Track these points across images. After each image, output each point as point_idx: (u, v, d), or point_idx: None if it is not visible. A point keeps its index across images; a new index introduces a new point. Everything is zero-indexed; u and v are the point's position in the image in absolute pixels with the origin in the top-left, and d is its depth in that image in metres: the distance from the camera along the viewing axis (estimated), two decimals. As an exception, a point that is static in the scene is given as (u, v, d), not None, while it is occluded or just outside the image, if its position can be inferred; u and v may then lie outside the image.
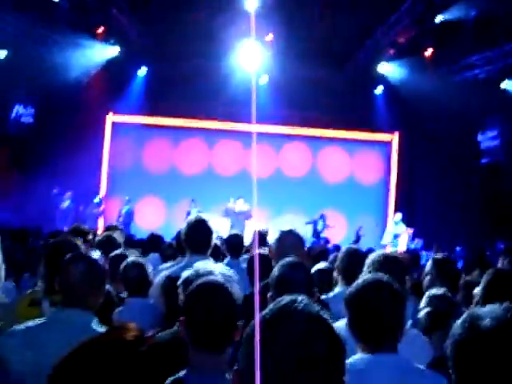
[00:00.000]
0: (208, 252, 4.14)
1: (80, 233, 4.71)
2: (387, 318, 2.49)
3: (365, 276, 2.72)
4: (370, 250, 4.90)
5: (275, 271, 3.08)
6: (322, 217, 16.23)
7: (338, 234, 16.75)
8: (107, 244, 5.14)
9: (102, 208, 17.00)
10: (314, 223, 16.39)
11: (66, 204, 16.28)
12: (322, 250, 7.74)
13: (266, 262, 3.75)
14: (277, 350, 1.24)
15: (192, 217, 4.32)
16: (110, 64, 16.24)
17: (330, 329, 1.30)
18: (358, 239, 16.19)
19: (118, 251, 4.87)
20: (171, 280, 3.20)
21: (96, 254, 2.97)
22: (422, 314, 3.63)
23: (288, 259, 3.14)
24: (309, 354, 1.24)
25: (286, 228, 3.95)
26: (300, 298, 1.32)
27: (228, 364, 2.33)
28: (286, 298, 1.33)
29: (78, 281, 2.78)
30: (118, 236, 5.66)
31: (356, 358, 2.48)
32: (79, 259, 2.86)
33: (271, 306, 1.32)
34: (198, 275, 2.73)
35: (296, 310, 1.29)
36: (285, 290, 1.87)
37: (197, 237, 4.13)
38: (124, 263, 4.39)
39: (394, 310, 2.51)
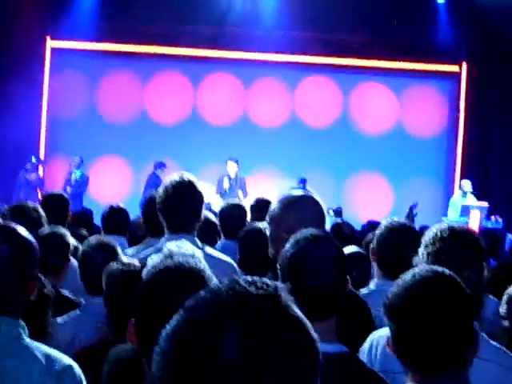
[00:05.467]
0: (195, 231, 3.29)
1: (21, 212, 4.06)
2: (449, 335, 1.96)
3: (416, 269, 2.12)
4: (425, 228, 3.68)
5: (288, 248, 2.44)
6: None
7: (379, 207, 13.74)
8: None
9: (41, 171, 13.36)
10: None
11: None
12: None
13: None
14: None
15: (170, 178, 3.34)
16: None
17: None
18: (411, 218, 13.77)
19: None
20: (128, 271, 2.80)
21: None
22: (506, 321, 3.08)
23: (307, 231, 2.48)
24: None
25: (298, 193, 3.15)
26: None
27: None
28: None
29: None
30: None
31: None
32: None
33: None
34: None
35: None
36: (302, 275, 1.81)
37: (179, 207, 3.22)
38: (85, 245, 3.67)
39: (461, 323, 1.97)
